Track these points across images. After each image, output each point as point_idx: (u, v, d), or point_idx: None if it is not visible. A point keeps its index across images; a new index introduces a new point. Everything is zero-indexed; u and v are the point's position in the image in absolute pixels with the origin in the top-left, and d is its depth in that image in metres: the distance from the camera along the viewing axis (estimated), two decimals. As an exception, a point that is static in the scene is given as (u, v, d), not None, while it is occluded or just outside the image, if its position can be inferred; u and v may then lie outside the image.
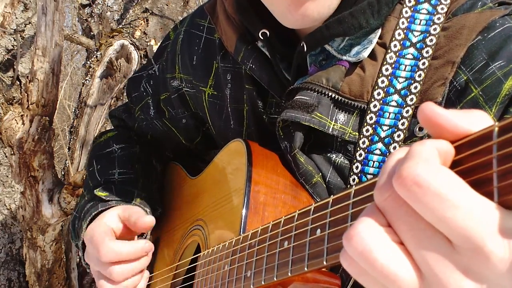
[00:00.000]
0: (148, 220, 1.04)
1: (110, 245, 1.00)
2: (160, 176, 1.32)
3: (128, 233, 1.07)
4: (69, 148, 2.42)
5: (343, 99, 0.90)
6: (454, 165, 0.45)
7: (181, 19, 1.35)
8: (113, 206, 1.11)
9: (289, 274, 0.67)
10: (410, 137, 0.86)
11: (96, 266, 1.03)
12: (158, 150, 1.35)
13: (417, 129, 0.85)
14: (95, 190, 1.13)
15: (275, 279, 0.70)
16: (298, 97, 0.92)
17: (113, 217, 1.07)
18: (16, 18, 2.42)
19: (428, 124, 0.47)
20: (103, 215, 1.08)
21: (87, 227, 1.09)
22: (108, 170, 1.21)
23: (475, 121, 0.46)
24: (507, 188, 0.41)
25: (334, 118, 0.90)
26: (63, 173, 2.52)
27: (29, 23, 2.44)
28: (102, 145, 1.30)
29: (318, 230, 0.62)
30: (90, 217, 1.10)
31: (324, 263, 0.60)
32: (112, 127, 1.44)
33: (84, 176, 2.13)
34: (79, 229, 1.13)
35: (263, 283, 0.73)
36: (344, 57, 0.90)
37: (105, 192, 1.13)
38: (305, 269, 0.64)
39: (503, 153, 0.41)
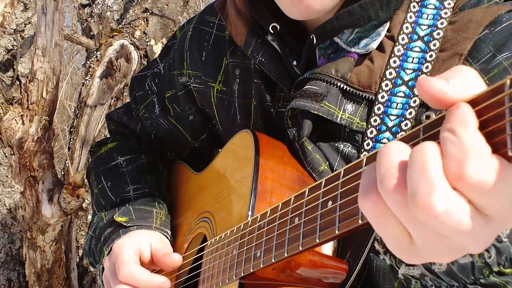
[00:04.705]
0: (176, 258, 1.06)
1: (133, 269, 1.03)
2: (167, 181, 1.32)
3: (150, 263, 1.09)
4: (69, 148, 2.42)
5: (351, 89, 0.92)
6: None
7: (185, 20, 1.36)
8: (143, 226, 1.13)
9: (300, 248, 0.67)
10: (417, 126, 0.88)
11: (110, 277, 1.07)
12: (162, 152, 1.34)
13: (424, 118, 0.87)
14: (114, 216, 1.14)
15: (285, 254, 0.71)
16: (307, 87, 0.94)
17: (146, 243, 1.09)
18: (16, 18, 2.41)
19: (426, 98, 0.50)
20: (136, 234, 1.11)
21: (109, 253, 1.11)
22: (121, 188, 1.21)
23: (468, 88, 0.49)
24: None
25: (342, 108, 0.93)
26: (63, 173, 2.52)
27: (29, 23, 2.44)
28: (105, 158, 1.30)
29: (330, 202, 0.63)
30: (112, 243, 1.12)
31: (336, 232, 0.61)
32: (108, 131, 1.44)
33: (85, 179, 2.12)
34: (99, 253, 1.15)
35: (273, 260, 0.74)
36: (353, 49, 0.92)
37: (125, 216, 1.14)
38: (317, 240, 0.64)
39: None
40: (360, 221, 0.57)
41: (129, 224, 1.13)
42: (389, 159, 0.51)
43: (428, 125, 0.51)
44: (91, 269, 2.71)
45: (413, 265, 0.75)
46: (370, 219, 0.54)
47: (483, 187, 0.46)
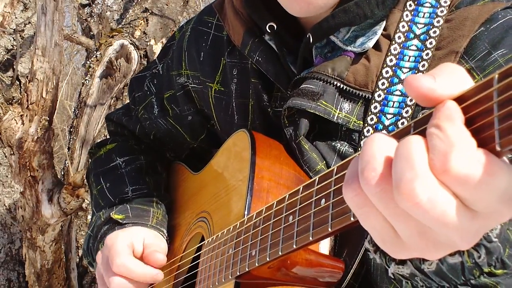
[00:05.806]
0: (159, 258, 1.06)
1: (126, 260, 1.03)
2: (166, 182, 1.32)
3: (141, 258, 1.09)
4: (68, 148, 2.42)
5: (348, 88, 0.92)
6: None
7: (185, 20, 1.37)
8: (138, 224, 1.13)
9: (294, 246, 0.68)
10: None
11: (103, 269, 1.07)
12: (161, 153, 1.35)
13: (420, 116, 0.87)
14: (111, 213, 1.15)
15: (280, 253, 0.71)
16: (304, 85, 0.94)
17: (139, 238, 1.09)
18: (16, 18, 2.41)
19: (415, 96, 0.50)
20: (131, 229, 1.11)
21: None
22: (120, 188, 1.21)
23: (456, 84, 0.49)
24: (508, 130, 0.43)
25: (339, 107, 0.93)
26: (62, 173, 2.52)
27: (29, 23, 2.44)
28: (104, 159, 1.30)
29: (323, 200, 0.63)
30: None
31: (329, 229, 0.61)
32: (108, 132, 1.44)
33: (85, 179, 2.12)
34: (96, 251, 1.16)
35: (268, 259, 0.74)
36: (349, 48, 0.92)
37: (121, 214, 1.15)
38: (310, 238, 0.64)
39: (503, 98, 0.43)
40: (352, 219, 0.57)
41: (125, 221, 1.13)
42: (370, 151, 0.51)
43: (419, 121, 0.51)
44: (91, 269, 2.71)
45: (402, 264, 0.75)
46: (353, 209, 0.54)
47: (469, 180, 0.46)
